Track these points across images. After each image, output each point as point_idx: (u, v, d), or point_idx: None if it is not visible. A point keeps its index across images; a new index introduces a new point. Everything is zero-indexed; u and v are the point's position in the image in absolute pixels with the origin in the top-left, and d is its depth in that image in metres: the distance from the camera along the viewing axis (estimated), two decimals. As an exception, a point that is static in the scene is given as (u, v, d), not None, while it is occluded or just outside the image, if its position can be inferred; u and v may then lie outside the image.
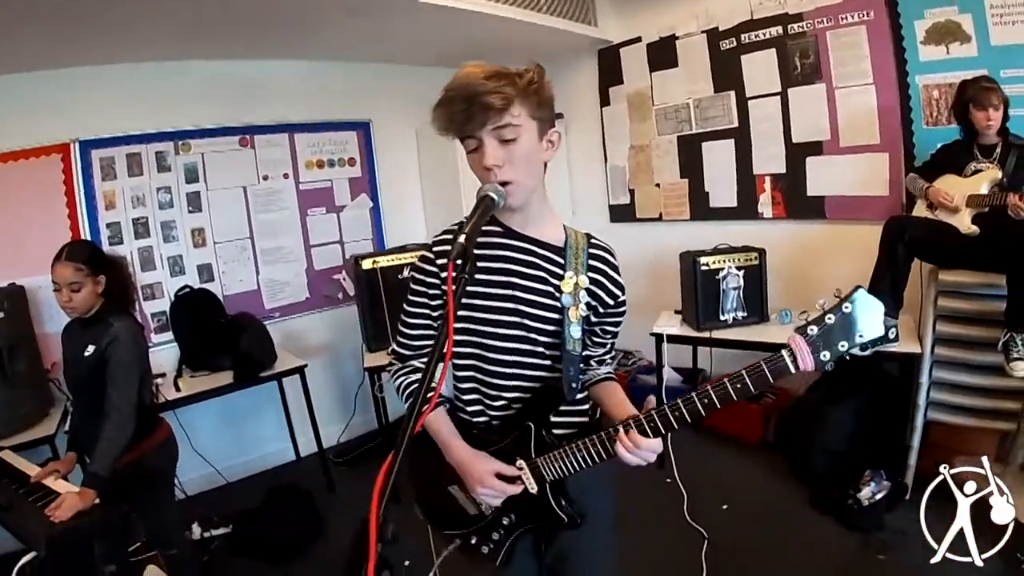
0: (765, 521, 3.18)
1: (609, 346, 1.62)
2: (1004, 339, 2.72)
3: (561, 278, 1.45)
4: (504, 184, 1.31)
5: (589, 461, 1.39)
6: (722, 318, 3.74)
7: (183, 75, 3.96)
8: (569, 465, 1.40)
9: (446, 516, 1.59)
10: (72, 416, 2.72)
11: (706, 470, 3.68)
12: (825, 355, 1.14)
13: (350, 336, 4.59)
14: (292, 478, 3.96)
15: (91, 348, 2.38)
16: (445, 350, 1.09)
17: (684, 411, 1.25)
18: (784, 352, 1.17)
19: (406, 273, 4.12)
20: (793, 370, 1.16)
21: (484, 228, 1.43)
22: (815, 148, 3.83)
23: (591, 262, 1.48)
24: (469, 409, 1.55)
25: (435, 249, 1.50)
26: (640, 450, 1.29)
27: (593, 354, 1.60)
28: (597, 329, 1.55)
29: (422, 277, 1.50)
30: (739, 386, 1.20)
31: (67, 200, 3.62)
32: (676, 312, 4.00)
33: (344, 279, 4.74)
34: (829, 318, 1.14)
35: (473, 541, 1.56)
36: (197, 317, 3.92)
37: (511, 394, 1.50)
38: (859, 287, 1.15)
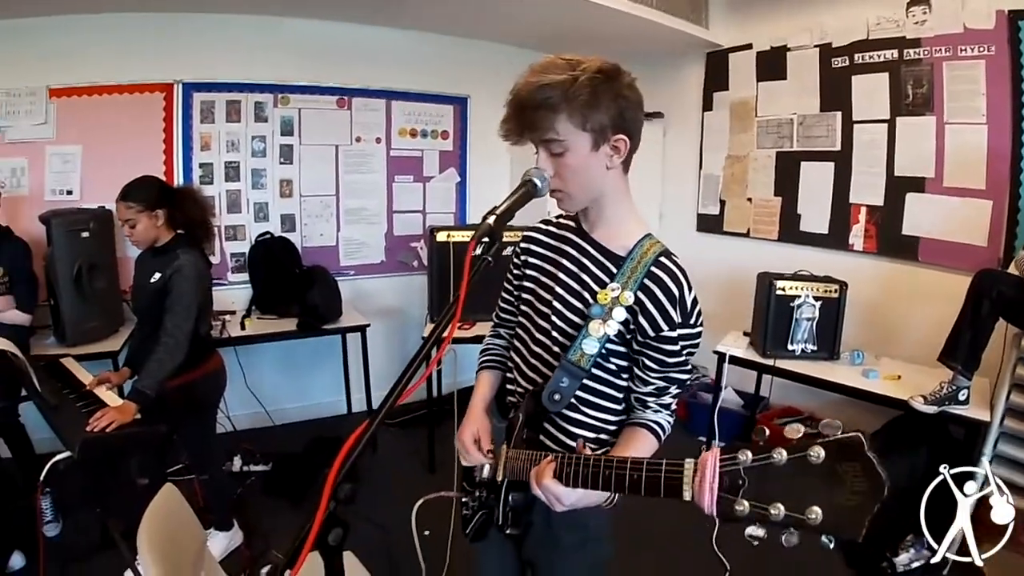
0: (791, 564, 3.04)
1: (654, 388, 1.40)
2: None
3: (604, 286, 1.36)
4: (553, 191, 1.34)
5: (523, 476, 1.34)
6: (790, 347, 3.58)
7: (288, 32, 4.11)
8: (516, 470, 1.40)
9: (468, 469, 1.64)
10: (134, 337, 2.91)
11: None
12: (742, 508, 0.84)
13: (417, 304, 4.72)
14: (338, 431, 4.07)
15: (156, 276, 2.53)
16: (445, 334, 1.06)
17: (590, 472, 1.14)
18: (687, 465, 0.95)
19: (477, 251, 4.14)
20: (687, 495, 0.93)
21: (563, 220, 1.53)
22: (917, 184, 3.58)
23: (645, 280, 1.31)
24: (509, 376, 1.62)
25: (525, 233, 1.58)
26: (542, 487, 1.22)
27: (635, 390, 1.42)
28: (639, 360, 1.37)
29: (512, 256, 1.60)
30: (635, 477, 1.04)
31: (165, 137, 3.86)
32: (745, 334, 3.84)
33: (421, 248, 4.83)
34: (777, 455, 0.81)
35: (463, 500, 1.62)
36: (273, 263, 4.10)
37: (530, 384, 1.50)
38: (859, 435, 0.77)
